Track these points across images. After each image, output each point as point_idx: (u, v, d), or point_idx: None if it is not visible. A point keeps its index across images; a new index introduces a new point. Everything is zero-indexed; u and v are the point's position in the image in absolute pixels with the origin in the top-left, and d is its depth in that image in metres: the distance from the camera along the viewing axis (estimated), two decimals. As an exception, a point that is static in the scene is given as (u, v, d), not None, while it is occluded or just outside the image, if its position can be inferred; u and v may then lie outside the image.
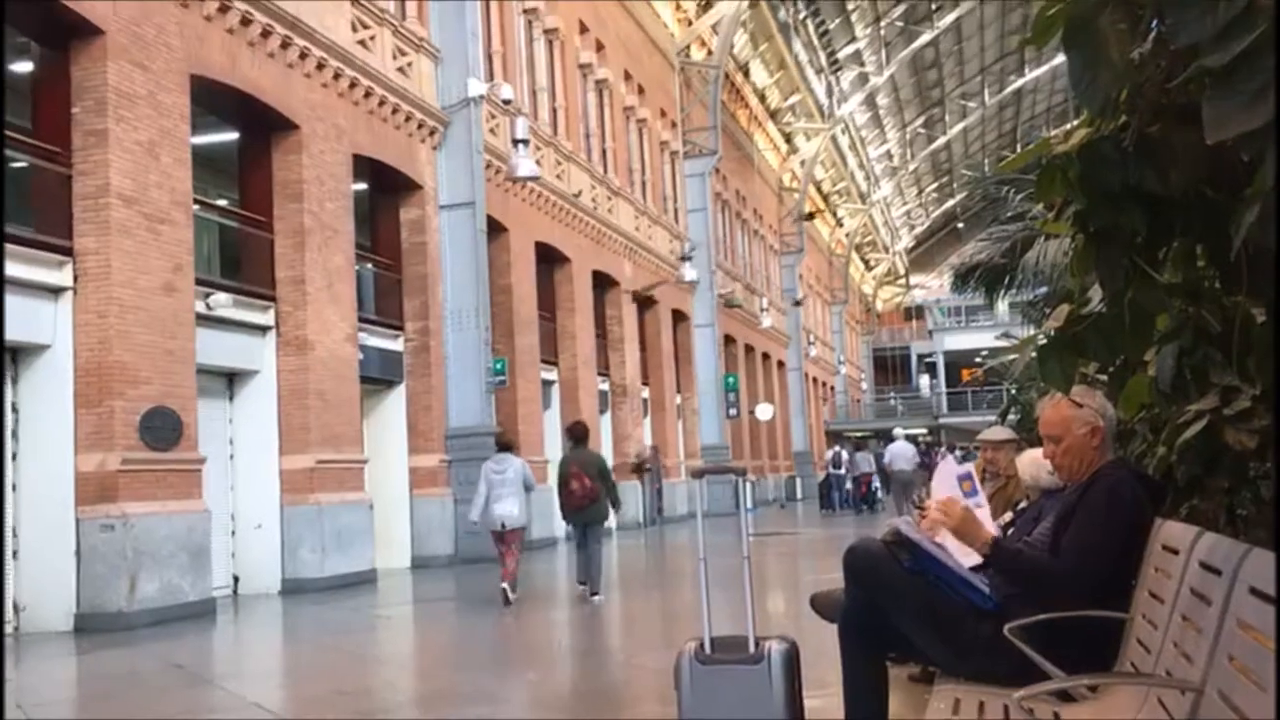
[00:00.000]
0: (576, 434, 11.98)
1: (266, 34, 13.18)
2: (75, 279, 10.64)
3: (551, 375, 21.85)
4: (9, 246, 10.06)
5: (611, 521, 12.13)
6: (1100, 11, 2.04)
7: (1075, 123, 2.91)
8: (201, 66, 12.22)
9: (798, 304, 42.67)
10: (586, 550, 11.50)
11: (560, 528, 16.93)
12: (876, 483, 29.54)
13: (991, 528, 3.74)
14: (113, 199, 10.70)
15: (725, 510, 24.56)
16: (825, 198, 52.36)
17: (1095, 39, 2.01)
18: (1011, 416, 12.45)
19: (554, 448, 21.15)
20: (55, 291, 10.58)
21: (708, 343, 31.55)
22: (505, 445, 11.69)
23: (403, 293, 16.83)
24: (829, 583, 4.97)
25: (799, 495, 38.34)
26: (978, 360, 42.01)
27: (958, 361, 56.67)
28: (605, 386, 24.82)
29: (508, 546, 11.14)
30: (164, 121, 11.45)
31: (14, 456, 10.44)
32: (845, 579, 3.83)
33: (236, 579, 13.16)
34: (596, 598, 11.30)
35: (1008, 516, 5.14)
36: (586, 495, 11.22)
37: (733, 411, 32.51)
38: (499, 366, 17.64)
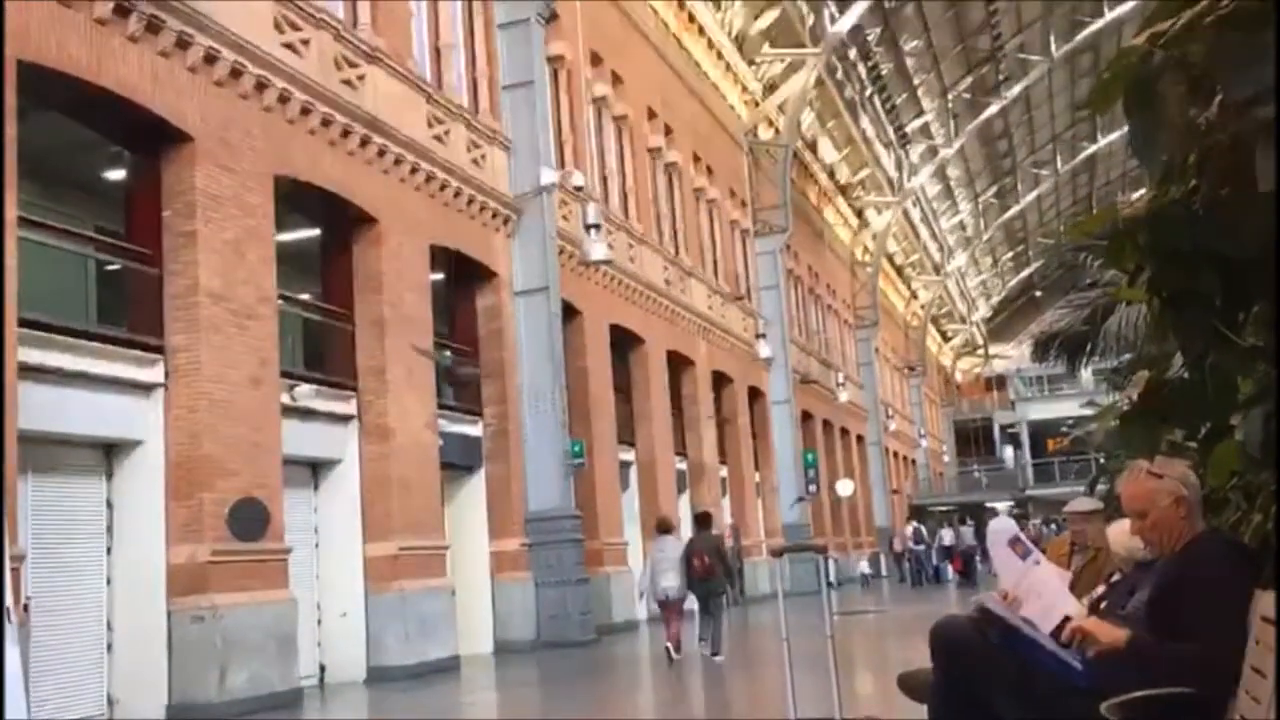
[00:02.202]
0: (701, 521, 14.38)
1: (346, 133, 13.63)
2: (166, 375, 10.97)
3: (629, 456, 21.85)
4: (105, 347, 10.47)
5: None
6: (1159, 76, 2.04)
7: (1144, 191, 2.90)
8: (285, 167, 12.66)
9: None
10: (709, 616, 13.19)
11: (642, 610, 17.83)
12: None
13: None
14: (201, 297, 11.05)
15: (808, 589, 24.15)
16: (899, 270, 52.12)
17: (1155, 103, 2.01)
18: (1100, 486, 12.13)
19: (633, 529, 21.09)
20: (148, 388, 10.91)
21: (785, 419, 31.34)
22: (665, 529, 13.95)
23: (481, 378, 17.04)
24: (917, 661, 4.86)
25: (883, 572, 37.62)
26: (1063, 430, 41.10)
27: (1042, 431, 55.45)
28: (683, 466, 24.73)
29: (671, 613, 13.11)
30: (249, 221, 11.85)
31: (109, 550, 10.70)
32: (933, 657, 3.75)
33: (323, 668, 13.22)
34: (718, 658, 12.74)
35: (1100, 589, 5.00)
36: (706, 571, 13.01)
37: (812, 488, 32.13)
38: (577, 449, 17.69)
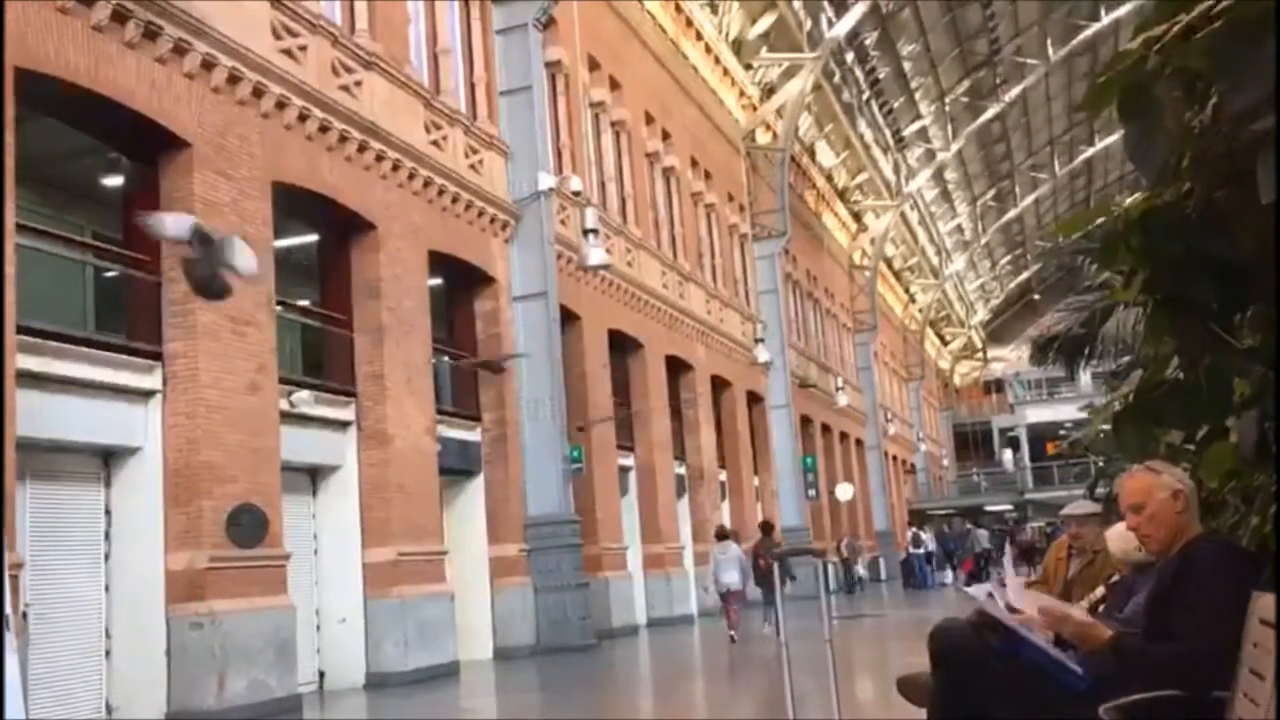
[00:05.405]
0: (765, 529, 18.04)
1: (344, 139, 13.63)
2: (165, 382, 10.95)
3: (628, 461, 21.84)
4: (103, 354, 10.46)
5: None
6: (1155, 80, 2.04)
7: (1139, 195, 2.90)
8: (282, 173, 12.66)
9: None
10: (772, 606, 15.09)
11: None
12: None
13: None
14: (199, 304, 11.01)
15: (807, 593, 24.09)
16: (897, 274, 52.12)
17: (1150, 107, 2.01)
18: (1100, 489, 12.12)
19: (632, 534, 21.08)
20: (146, 395, 10.90)
21: (784, 424, 31.33)
22: (724, 536, 17.05)
23: (479, 384, 17.03)
24: (917, 665, 4.86)
25: (883, 575, 37.61)
26: (1062, 433, 41.12)
27: (1042, 435, 55.42)
28: (682, 471, 24.71)
29: (731, 605, 16.01)
30: (247, 227, 11.81)
31: (107, 557, 10.67)
32: (932, 661, 3.75)
33: (322, 674, 13.20)
34: (782, 637, 15.00)
35: (1099, 592, 5.00)
36: (769, 569, 15.32)
37: (812, 492, 32.12)
38: (576, 454, 17.68)
